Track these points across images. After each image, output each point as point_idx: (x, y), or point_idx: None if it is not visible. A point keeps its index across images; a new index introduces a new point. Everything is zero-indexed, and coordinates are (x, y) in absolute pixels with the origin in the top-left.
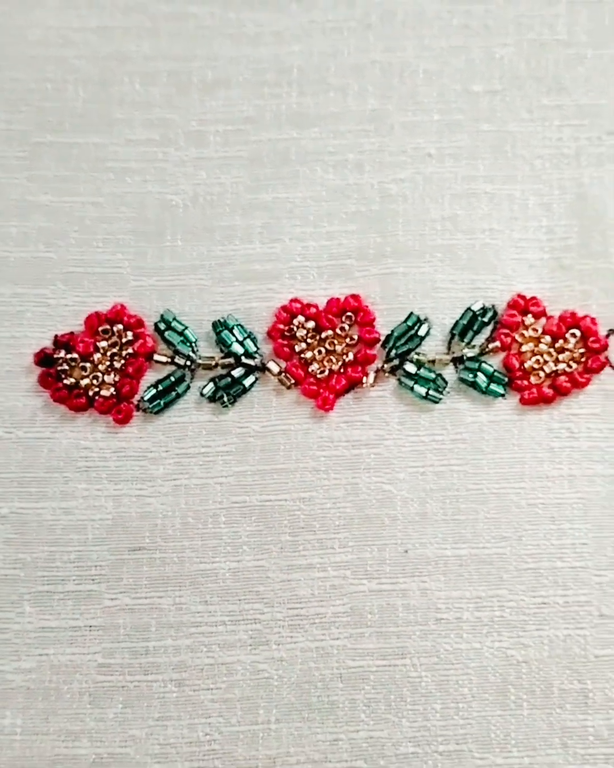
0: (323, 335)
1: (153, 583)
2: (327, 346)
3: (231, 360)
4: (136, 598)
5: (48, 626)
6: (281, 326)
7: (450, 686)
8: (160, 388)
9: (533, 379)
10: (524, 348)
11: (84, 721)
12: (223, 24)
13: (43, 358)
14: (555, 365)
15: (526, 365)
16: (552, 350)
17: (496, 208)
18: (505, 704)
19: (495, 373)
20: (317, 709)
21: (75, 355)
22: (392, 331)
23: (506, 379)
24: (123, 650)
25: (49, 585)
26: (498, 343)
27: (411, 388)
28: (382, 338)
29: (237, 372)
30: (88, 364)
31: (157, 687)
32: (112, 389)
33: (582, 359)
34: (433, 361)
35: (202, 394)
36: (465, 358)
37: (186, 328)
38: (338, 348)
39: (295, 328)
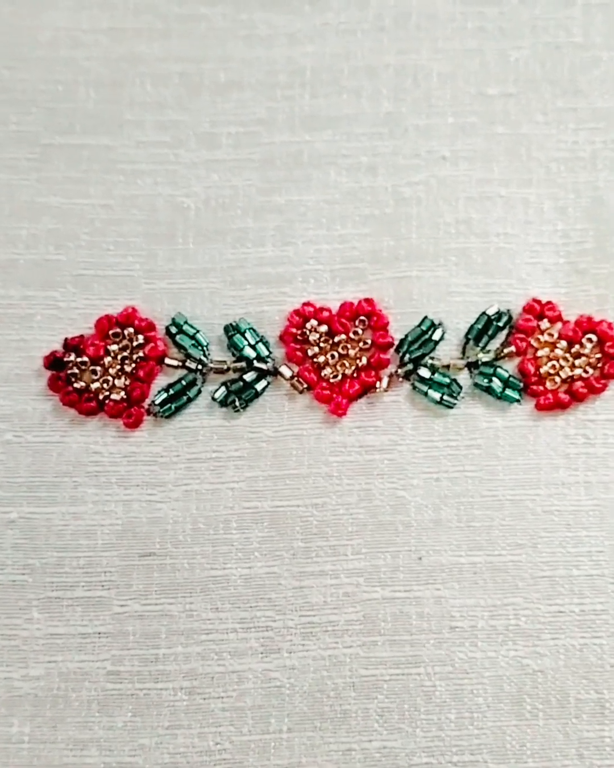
0: (336, 339)
1: (163, 589)
2: (340, 350)
3: (243, 364)
4: (146, 604)
5: (56, 633)
6: (294, 330)
7: (465, 696)
8: (171, 392)
9: (549, 385)
10: (540, 353)
11: (92, 729)
12: (235, 25)
13: (53, 362)
14: (571, 370)
15: (542, 370)
16: (568, 355)
17: (511, 212)
18: (521, 714)
19: (511, 379)
20: (329, 719)
21: (85, 359)
22: (406, 336)
23: (521, 385)
24: (132, 658)
25: (57, 591)
26: (513, 348)
27: (426, 393)
28: (396, 342)
29: (249, 376)
30: (98, 368)
31: (166, 695)
32: (123, 393)
33: (599, 364)
34: (448, 366)
35: (213, 399)
36: (480, 363)
37: (197, 331)
38: (351, 352)
39: (308, 332)
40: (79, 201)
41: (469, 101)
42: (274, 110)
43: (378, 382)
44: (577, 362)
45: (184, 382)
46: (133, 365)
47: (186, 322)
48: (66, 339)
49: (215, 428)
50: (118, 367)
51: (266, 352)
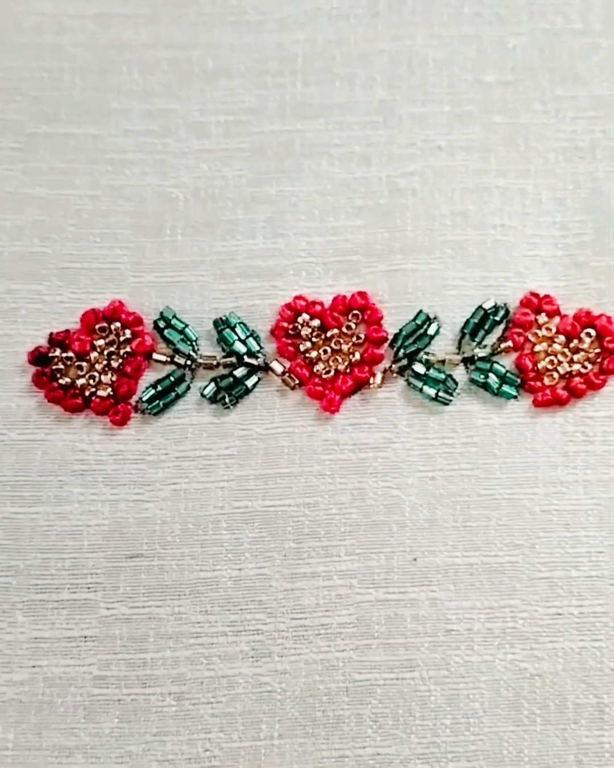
0: (329, 334)
1: (151, 591)
2: (332, 345)
3: (233, 359)
4: (134, 607)
5: (41, 637)
6: (285, 324)
7: (461, 700)
8: (160, 388)
9: (547, 381)
10: (537, 348)
11: (78, 735)
12: (224, 11)
13: (38, 357)
14: (570, 366)
15: (540, 366)
16: (566, 350)
17: (508, 203)
18: (518, 719)
19: (508, 374)
20: (322, 724)
21: (71, 354)
22: (400, 330)
23: (519, 380)
24: (119, 662)
25: (42, 593)
26: (510, 343)
27: (420, 390)
28: (390, 337)
29: (239, 372)
30: (84, 364)
31: (154, 700)
32: (109, 389)
33: (598, 360)
34: (443, 362)
35: (202, 395)
36: (476, 358)
37: (186, 326)
38: (344, 347)
39: (300, 327)
40: (64, 192)
41: (466, 89)
42: (264, 98)
43: (371, 378)
44: (576, 357)
45: (172, 378)
46: (120, 361)
47: (174, 317)
48: (51, 334)
49: (204, 426)
50: (105, 362)
51: (257, 347)
